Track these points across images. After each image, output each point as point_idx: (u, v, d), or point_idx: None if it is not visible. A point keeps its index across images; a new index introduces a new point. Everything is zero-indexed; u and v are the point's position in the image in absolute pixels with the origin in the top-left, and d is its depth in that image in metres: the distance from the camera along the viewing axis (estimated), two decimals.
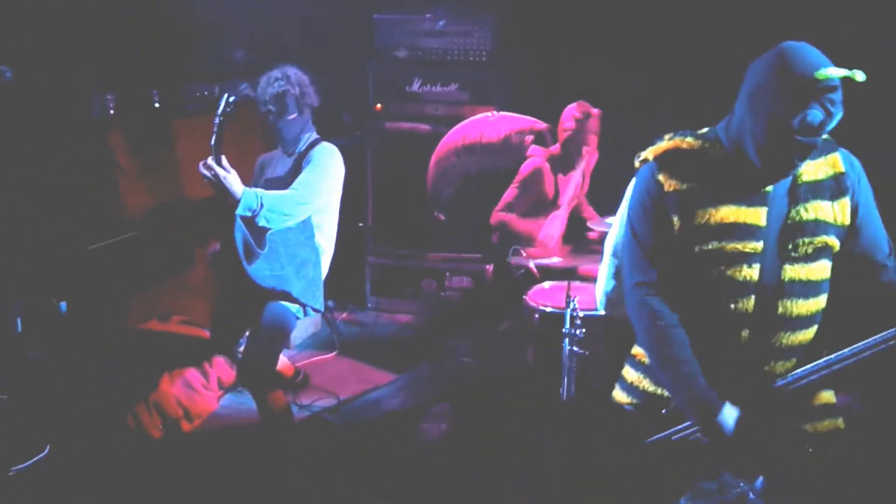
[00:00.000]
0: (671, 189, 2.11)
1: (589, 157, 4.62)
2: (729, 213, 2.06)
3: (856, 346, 2.03)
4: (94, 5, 4.21)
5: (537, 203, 4.64)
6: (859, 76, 1.91)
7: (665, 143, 2.17)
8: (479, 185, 5.14)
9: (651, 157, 2.17)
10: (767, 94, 1.96)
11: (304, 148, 3.55)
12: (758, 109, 1.99)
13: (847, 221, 2.12)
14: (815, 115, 1.91)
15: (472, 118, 5.15)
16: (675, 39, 4.71)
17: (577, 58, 5.05)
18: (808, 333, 2.12)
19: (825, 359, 2.06)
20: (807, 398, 2.14)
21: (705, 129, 2.18)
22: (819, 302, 2.13)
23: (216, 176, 3.08)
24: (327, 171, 3.48)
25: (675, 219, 2.10)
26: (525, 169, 4.64)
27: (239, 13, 5.04)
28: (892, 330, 1.99)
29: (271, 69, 3.51)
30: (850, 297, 2.15)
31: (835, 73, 1.89)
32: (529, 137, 4.90)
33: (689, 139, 2.15)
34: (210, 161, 3.10)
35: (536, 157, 4.67)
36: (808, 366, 2.08)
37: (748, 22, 4.36)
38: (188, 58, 4.81)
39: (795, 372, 2.09)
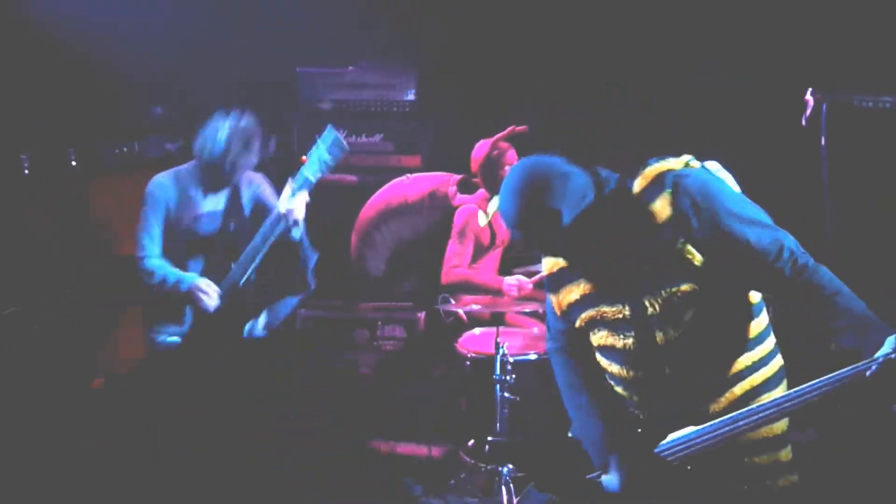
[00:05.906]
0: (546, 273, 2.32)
1: None
2: (586, 286, 2.19)
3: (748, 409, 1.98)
4: (8, 63, 4.12)
5: (477, 249, 4.60)
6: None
7: None
8: (416, 249, 5.10)
9: None
10: None
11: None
12: None
13: (697, 259, 1.98)
14: (515, 233, 2.11)
15: (384, 186, 5.13)
16: (595, 87, 4.82)
17: (502, 105, 5.13)
18: (717, 371, 2.09)
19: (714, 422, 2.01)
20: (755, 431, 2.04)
21: None
22: (714, 346, 2.07)
23: None
24: None
25: (552, 298, 2.30)
26: (459, 219, 4.56)
27: (158, 68, 4.99)
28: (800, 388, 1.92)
29: (230, 128, 3.40)
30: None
31: (483, 221, 2.17)
32: (453, 189, 4.87)
33: None
34: None
35: (468, 205, 4.64)
36: (693, 430, 2.04)
37: (671, 71, 4.51)
38: (106, 114, 4.73)
39: (676, 437, 2.06)
